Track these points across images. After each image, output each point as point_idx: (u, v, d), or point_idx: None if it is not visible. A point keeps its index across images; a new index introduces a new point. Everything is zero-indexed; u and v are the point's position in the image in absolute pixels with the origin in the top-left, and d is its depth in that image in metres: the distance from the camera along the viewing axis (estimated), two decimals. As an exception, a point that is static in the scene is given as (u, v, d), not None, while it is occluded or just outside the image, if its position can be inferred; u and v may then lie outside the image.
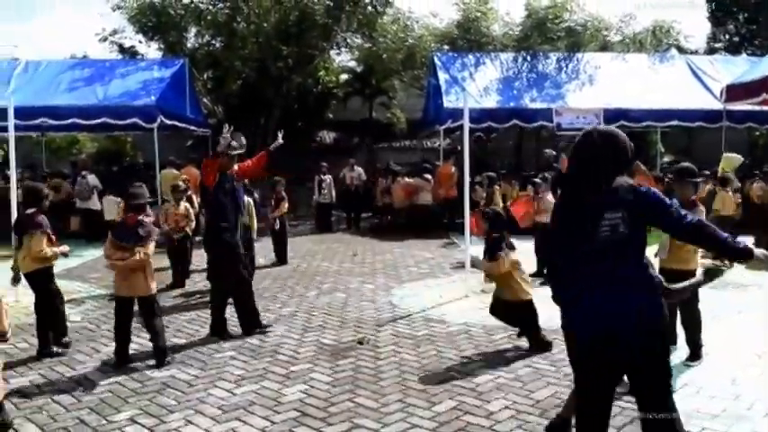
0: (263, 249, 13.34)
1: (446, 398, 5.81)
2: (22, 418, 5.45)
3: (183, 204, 11.41)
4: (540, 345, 7.18)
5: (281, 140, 9.39)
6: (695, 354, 6.69)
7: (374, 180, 20.77)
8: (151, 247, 7.09)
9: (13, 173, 9.59)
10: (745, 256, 3.75)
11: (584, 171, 3.80)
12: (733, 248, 3.76)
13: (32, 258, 7.22)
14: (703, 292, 6.09)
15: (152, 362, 6.94)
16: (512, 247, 7.29)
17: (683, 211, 3.82)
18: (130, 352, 7.16)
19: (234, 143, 8.31)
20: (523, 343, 7.39)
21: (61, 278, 10.73)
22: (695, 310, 6.62)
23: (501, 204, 12.82)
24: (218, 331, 8.05)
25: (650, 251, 4.06)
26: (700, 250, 6.42)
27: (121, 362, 6.92)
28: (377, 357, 7.05)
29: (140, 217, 7.07)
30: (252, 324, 8.15)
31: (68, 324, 8.49)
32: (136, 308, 7.09)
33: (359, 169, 20.90)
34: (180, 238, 11.15)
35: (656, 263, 5.50)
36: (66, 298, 9.84)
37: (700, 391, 5.87)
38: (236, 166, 8.52)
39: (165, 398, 5.92)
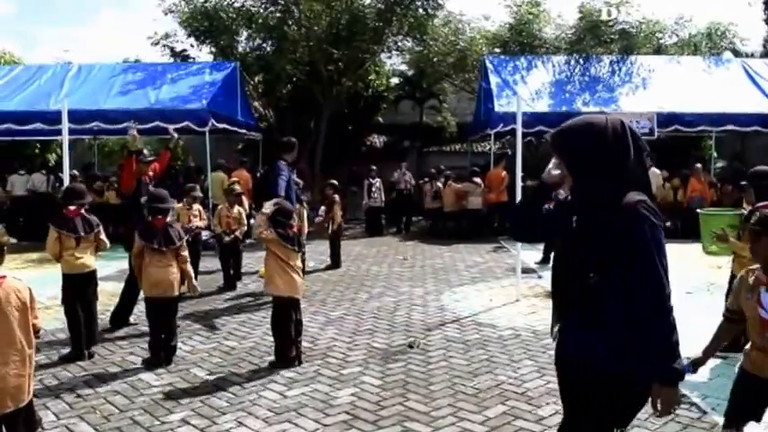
0: (313, 253, 13.37)
1: (497, 402, 5.75)
2: (77, 418, 5.51)
3: (237, 208, 11.50)
4: (281, 355, 6.89)
5: (175, 135, 9.76)
6: None
7: (423, 184, 20.74)
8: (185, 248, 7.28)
9: (66, 176, 9.71)
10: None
11: None
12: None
13: None
14: None
15: (204, 364, 7.00)
16: (299, 247, 7.09)
17: None
18: (182, 354, 7.27)
19: (146, 151, 8.45)
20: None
21: (114, 280, 10.91)
22: None
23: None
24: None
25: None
26: None
27: (158, 358, 6.99)
28: (427, 361, 7.00)
29: (168, 219, 7.15)
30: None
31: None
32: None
33: (409, 173, 20.89)
34: (232, 240, 11.24)
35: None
36: (120, 300, 10.04)
37: None
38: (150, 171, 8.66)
39: (217, 399, 5.94)
